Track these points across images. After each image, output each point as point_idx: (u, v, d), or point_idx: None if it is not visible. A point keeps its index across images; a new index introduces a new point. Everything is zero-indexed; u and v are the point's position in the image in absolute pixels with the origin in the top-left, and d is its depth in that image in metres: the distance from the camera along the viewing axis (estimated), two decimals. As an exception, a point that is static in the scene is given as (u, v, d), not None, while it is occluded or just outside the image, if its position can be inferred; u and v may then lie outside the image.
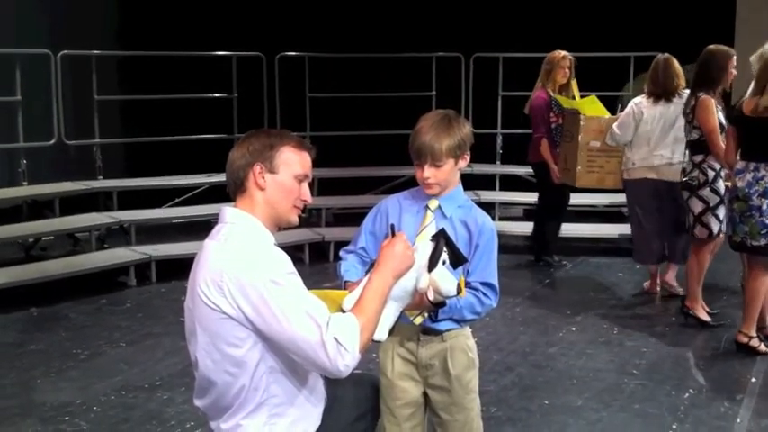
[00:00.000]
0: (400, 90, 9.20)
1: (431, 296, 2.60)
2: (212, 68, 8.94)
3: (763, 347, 5.06)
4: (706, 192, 5.44)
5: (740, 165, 4.94)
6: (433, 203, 2.87)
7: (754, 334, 5.08)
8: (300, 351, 2.36)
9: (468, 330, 2.95)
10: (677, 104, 5.84)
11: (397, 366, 2.90)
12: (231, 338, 2.42)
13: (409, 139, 2.84)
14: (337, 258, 3.01)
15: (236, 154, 2.57)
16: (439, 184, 2.82)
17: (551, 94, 6.92)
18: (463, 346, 2.90)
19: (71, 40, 8.13)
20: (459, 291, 2.60)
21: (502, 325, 5.67)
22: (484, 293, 2.82)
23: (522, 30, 9.62)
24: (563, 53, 6.94)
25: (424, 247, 2.57)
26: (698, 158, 5.47)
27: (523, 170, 8.66)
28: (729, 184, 5.18)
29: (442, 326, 2.84)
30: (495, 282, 2.84)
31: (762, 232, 4.83)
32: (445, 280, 2.56)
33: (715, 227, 5.47)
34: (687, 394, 4.53)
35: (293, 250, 6.11)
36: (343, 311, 2.46)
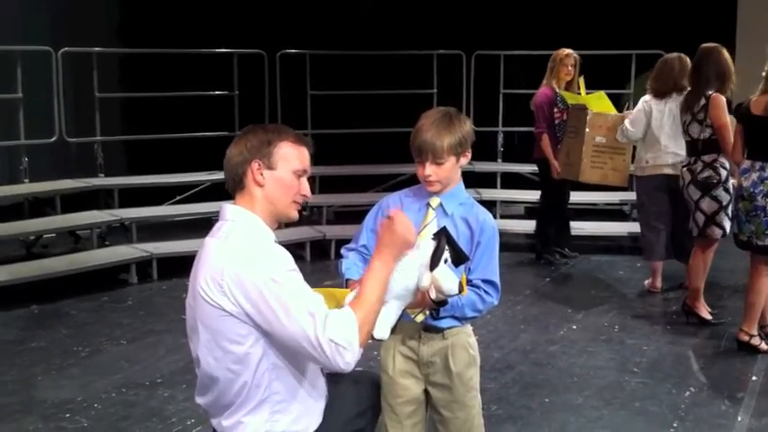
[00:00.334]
0: (401, 87, 9.20)
1: (433, 295, 2.59)
2: (213, 66, 8.95)
3: (764, 346, 5.06)
4: (720, 191, 5.40)
5: (746, 164, 4.93)
6: (435, 201, 2.87)
7: (756, 332, 5.08)
8: (301, 348, 2.36)
9: (469, 328, 2.95)
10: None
11: (398, 364, 2.89)
12: (233, 336, 2.41)
13: (410, 136, 2.84)
14: (338, 256, 3.00)
15: (234, 151, 2.55)
16: (440, 182, 2.82)
17: (557, 90, 6.91)
18: (464, 344, 2.90)
19: (72, 38, 8.13)
20: (460, 289, 2.59)
21: (503, 323, 5.66)
22: (485, 291, 2.81)
23: (524, 27, 9.63)
24: (567, 51, 6.94)
25: (426, 245, 2.57)
26: (709, 158, 5.40)
27: (525, 168, 8.67)
28: (735, 182, 5.17)
29: (443, 323, 2.84)
30: (496, 279, 2.84)
31: (767, 232, 4.82)
32: (447, 278, 2.56)
33: (727, 225, 5.43)
34: (688, 392, 4.52)
35: (294, 248, 6.12)
36: (345, 309, 2.46)
